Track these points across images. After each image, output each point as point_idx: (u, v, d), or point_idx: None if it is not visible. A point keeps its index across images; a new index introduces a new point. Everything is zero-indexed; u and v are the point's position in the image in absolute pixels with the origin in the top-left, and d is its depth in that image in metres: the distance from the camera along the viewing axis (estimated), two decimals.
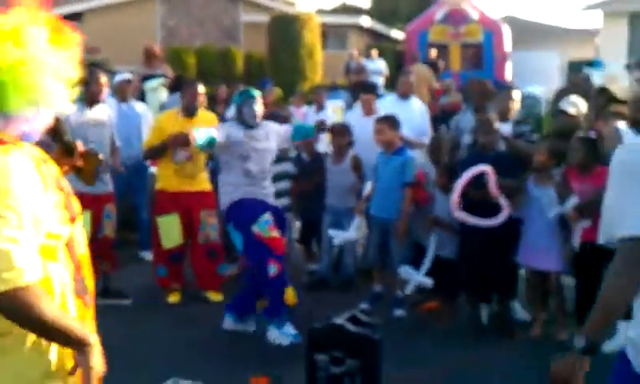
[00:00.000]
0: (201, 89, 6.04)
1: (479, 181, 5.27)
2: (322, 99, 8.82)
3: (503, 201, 5.22)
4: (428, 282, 5.58)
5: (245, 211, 5.17)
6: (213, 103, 8.15)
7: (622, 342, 2.22)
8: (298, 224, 6.95)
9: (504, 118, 5.95)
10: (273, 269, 5.04)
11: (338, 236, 6.08)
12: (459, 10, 17.56)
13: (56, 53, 2.00)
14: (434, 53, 16.49)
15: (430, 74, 15.29)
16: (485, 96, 6.51)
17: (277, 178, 6.35)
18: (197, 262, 6.11)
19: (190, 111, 5.91)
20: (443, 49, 17.22)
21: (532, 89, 13.87)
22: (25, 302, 1.80)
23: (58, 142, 2.77)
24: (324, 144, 6.75)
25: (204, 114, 6.15)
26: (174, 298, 6.04)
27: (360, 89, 7.69)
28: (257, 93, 5.39)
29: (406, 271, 5.63)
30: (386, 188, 5.82)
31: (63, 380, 2.03)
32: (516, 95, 6.25)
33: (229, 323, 5.34)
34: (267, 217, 5.13)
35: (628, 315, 2.11)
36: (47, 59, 1.97)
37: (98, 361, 1.99)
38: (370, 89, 7.55)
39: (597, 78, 10.31)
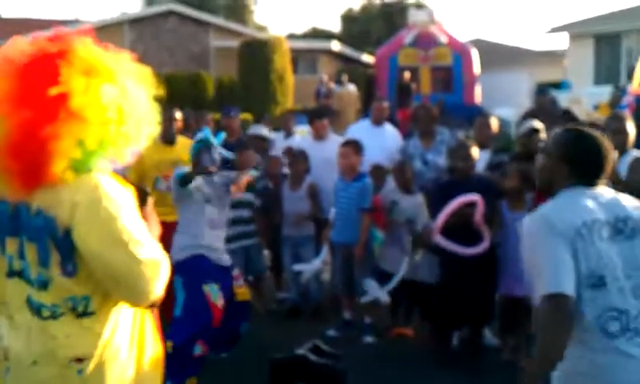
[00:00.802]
0: (177, 115, 5.94)
1: (461, 208, 5.23)
2: (290, 125, 8.78)
3: (485, 230, 5.19)
4: (385, 298, 5.59)
5: (200, 269, 4.79)
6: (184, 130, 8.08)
7: None
8: (266, 252, 6.86)
9: (482, 145, 5.91)
10: (198, 349, 4.60)
11: (304, 270, 6.06)
12: (428, 34, 17.73)
13: (142, 90, 2.19)
14: (407, 75, 16.60)
15: (355, 96, 15.43)
16: (431, 121, 6.52)
17: (238, 205, 6.27)
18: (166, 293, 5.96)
19: (167, 138, 5.80)
20: (413, 72, 17.36)
21: (502, 111, 14.01)
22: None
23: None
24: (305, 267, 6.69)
25: (182, 140, 6.02)
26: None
27: (312, 114, 7.64)
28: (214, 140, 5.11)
29: (368, 283, 5.64)
30: (345, 214, 5.85)
31: None
32: (493, 122, 6.24)
33: None
34: (218, 287, 4.76)
35: None
36: (140, 97, 2.17)
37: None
38: (322, 114, 7.52)
39: (563, 100, 10.46)
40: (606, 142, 2.63)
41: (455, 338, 5.57)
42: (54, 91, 1.97)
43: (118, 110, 2.07)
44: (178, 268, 4.69)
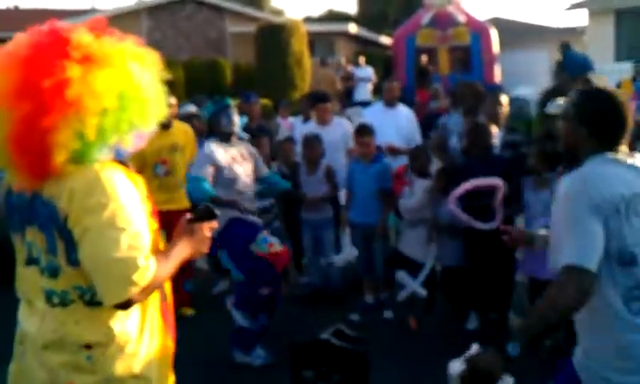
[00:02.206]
0: (172, 100, 5.95)
1: (481, 191, 5.18)
2: (307, 109, 8.75)
3: (499, 209, 5.15)
4: (422, 292, 5.58)
5: (238, 233, 4.85)
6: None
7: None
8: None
9: (493, 123, 5.86)
10: (264, 290, 4.84)
11: (337, 260, 6.10)
12: (445, 13, 17.54)
13: (148, 73, 2.16)
14: (424, 59, 16.48)
15: (333, 76, 15.29)
16: (476, 98, 6.43)
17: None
18: (174, 280, 5.89)
19: (164, 124, 5.74)
20: (431, 52, 17.21)
21: (521, 90, 13.88)
22: (152, 288, 2.10)
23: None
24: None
25: (178, 124, 6.11)
26: None
27: (315, 98, 7.57)
28: (231, 101, 5.19)
29: (402, 277, 5.62)
30: (365, 196, 5.91)
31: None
32: (504, 99, 6.17)
33: (239, 356, 5.01)
34: (264, 234, 4.94)
35: None
36: (145, 80, 2.14)
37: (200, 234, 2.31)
38: (326, 98, 7.48)
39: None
40: (624, 101, 2.53)
41: (474, 321, 5.56)
42: (48, 82, 1.97)
43: (120, 96, 2.05)
44: (218, 241, 4.66)
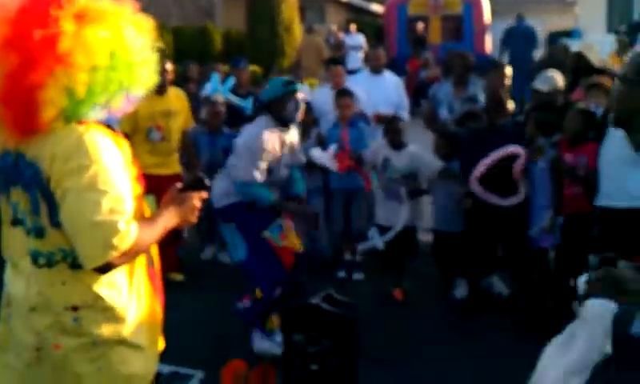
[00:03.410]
0: (168, 66, 5.91)
1: (501, 160, 5.16)
2: (299, 76, 8.72)
3: (521, 180, 5.14)
4: (380, 245, 5.70)
5: (254, 213, 4.48)
6: (185, 81, 8.03)
7: None
8: None
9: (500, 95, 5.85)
10: (277, 291, 4.55)
11: (365, 247, 6.11)
12: None
13: (141, 38, 2.12)
14: (421, 27, 16.40)
15: (320, 43, 15.17)
16: (466, 68, 6.43)
17: None
18: (161, 246, 5.80)
19: (160, 89, 5.71)
20: (423, 21, 17.12)
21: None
22: (133, 254, 2.06)
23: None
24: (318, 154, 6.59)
25: (174, 90, 6.07)
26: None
27: (328, 61, 7.56)
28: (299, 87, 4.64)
29: (371, 233, 5.77)
30: None
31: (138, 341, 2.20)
32: (508, 72, 6.16)
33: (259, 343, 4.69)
34: (280, 221, 4.57)
35: None
36: (138, 44, 2.11)
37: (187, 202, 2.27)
38: (337, 61, 7.49)
39: (574, 48, 10.28)
40: None
41: (462, 289, 5.62)
42: (38, 35, 1.93)
43: (111, 55, 2.01)
44: (224, 213, 4.54)
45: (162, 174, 5.61)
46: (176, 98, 5.98)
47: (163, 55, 6.08)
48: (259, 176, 4.39)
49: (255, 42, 17.80)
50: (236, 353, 4.29)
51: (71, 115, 2.03)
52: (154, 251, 2.34)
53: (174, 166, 5.92)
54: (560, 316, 4.08)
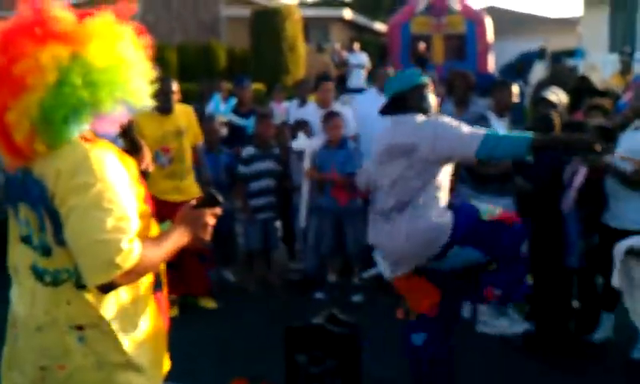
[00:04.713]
0: (174, 85, 5.77)
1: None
2: (304, 93, 8.74)
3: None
4: (387, 273, 5.63)
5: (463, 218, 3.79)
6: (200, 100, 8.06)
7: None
8: (278, 223, 6.86)
9: (502, 114, 5.84)
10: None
11: (367, 273, 6.15)
12: (440, 1, 17.52)
13: (137, 52, 2.10)
14: (422, 46, 16.45)
15: (328, 62, 15.16)
16: (468, 88, 6.43)
17: (259, 176, 6.30)
18: (188, 268, 5.72)
19: (164, 109, 5.66)
20: (426, 40, 17.19)
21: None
22: (137, 273, 2.03)
23: (125, 139, 2.75)
24: (303, 141, 6.59)
25: (180, 107, 5.89)
26: (172, 312, 5.57)
27: (318, 79, 7.56)
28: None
29: (377, 255, 5.69)
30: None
31: (139, 371, 2.18)
32: (515, 90, 6.17)
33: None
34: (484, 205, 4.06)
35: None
36: (134, 59, 2.07)
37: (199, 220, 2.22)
38: (328, 77, 7.52)
39: (580, 68, 10.35)
40: None
41: (467, 309, 5.60)
42: (2, 60, 1.95)
43: (66, 71, 1.96)
44: (452, 244, 3.75)
45: (177, 201, 5.22)
46: (184, 114, 5.81)
47: (169, 74, 6.09)
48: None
49: (259, 60, 17.89)
50: (239, 371, 4.27)
51: (49, 136, 2.01)
52: (162, 272, 2.33)
53: (190, 191, 5.60)
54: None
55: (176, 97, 5.76)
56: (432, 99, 3.82)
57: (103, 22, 2.05)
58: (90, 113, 2.03)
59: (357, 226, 6.11)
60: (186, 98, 7.26)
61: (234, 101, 7.52)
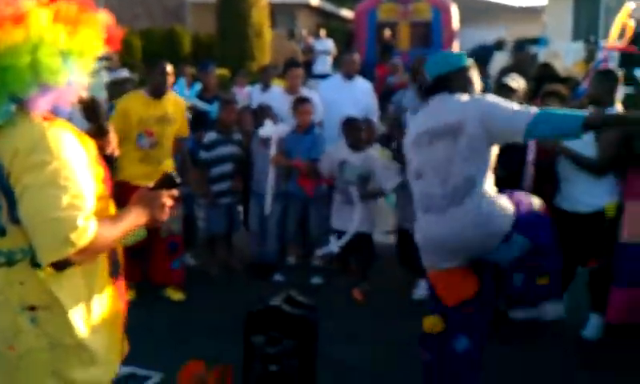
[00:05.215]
0: (169, 68, 5.61)
1: None
2: (269, 79, 8.70)
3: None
4: (335, 249, 5.78)
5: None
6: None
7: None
8: (241, 208, 6.83)
9: None
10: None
11: (323, 252, 6.08)
12: None
13: (66, 29, 2.03)
14: (388, 33, 16.49)
15: (295, 49, 15.18)
16: None
17: (221, 160, 6.27)
18: (156, 256, 5.73)
19: (158, 92, 5.55)
20: (393, 27, 17.24)
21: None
22: (92, 251, 2.02)
23: (92, 121, 2.72)
24: (269, 128, 6.54)
25: (173, 96, 5.79)
26: (128, 297, 5.47)
27: (287, 64, 7.53)
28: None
29: (331, 237, 5.83)
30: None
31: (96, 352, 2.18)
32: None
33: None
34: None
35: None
36: (52, 37, 2.00)
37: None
38: (298, 63, 7.52)
39: (541, 56, 10.44)
40: None
41: (422, 288, 5.66)
42: None
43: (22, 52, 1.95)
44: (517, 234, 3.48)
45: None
46: (174, 104, 5.69)
47: (161, 58, 5.96)
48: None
49: (225, 46, 17.77)
50: (197, 353, 4.26)
51: None
52: (120, 257, 2.32)
53: None
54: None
55: (171, 79, 5.65)
56: (477, 82, 3.55)
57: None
58: (38, 89, 2.00)
59: (321, 211, 6.15)
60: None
61: (198, 86, 7.46)
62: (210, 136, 6.29)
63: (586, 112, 3.16)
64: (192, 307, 5.58)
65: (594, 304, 4.84)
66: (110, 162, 2.60)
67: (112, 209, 2.27)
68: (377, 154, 5.79)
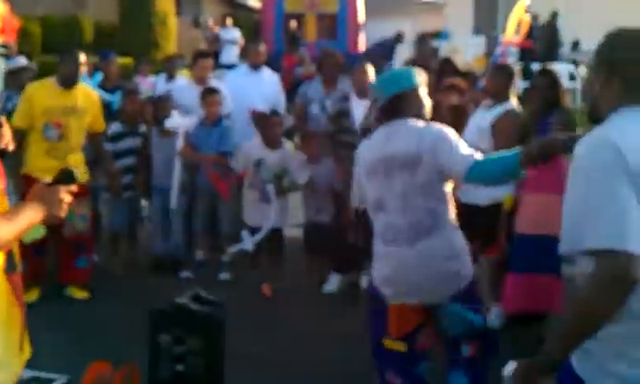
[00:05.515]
0: (82, 58, 5.41)
1: None
2: (173, 69, 8.54)
3: None
4: (249, 246, 5.76)
5: None
6: None
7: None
8: (145, 202, 6.71)
9: (362, 94, 5.93)
10: None
11: (235, 250, 5.99)
12: None
13: None
14: (294, 24, 16.51)
15: (199, 37, 15.06)
16: (336, 67, 6.51)
17: (124, 153, 6.14)
18: (60, 255, 5.60)
19: (69, 82, 5.34)
20: (299, 18, 17.28)
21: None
22: None
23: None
24: (177, 120, 6.43)
25: (85, 88, 5.60)
26: (32, 296, 5.23)
27: (197, 55, 7.44)
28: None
29: (244, 233, 5.79)
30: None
31: None
32: (371, 70, 6.27)
33: None
34: None
35: None
36: None
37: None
38: (207, 54, 7.43)
39: (442, 50, 10.73)
40: None
41: (333, 283, 5.74)
42: None
43: None
44: None
45: None
46: (85, 95, 5.49)
47: (71, 47, 5.70)
48: None
49: (128, 34, 17.33)
50: (103, 354, 4.17)
51: None
52: (16, 254, 2.26)
53: None
54: None
55: (83, 69, 5.44)
56: (428, 101, 3.44)
57: None
58: None
59: (231, 206, 6.10)
60: (49, 72, 6.92)
61: (99, 76, 7.26)
62: (115, 127, 6.14)
63: (518, 149, 3.09)
64: (96, 306, 5.45)
65: (493, 295, 5.03)
66: (2, 155, 2.51)
67: (4, 203, 2.21)
68: (291, 149, 5.80)
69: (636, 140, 1.88)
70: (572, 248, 1.93)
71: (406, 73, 3.52)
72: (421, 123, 3.31)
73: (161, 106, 6.32)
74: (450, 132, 3.25)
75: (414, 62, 8.23)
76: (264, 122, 5.88)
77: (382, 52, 14.12)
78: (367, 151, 3.46)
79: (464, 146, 3.19)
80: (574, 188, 1.94)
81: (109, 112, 6.76)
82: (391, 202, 3.24)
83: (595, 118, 2.08)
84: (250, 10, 23.33)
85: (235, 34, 16.94)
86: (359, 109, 5.75)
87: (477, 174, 3.12)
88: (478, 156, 3.15)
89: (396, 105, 3.33)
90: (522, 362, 2.01)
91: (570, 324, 1.90)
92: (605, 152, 1.87)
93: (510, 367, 2.06)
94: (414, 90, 3.36)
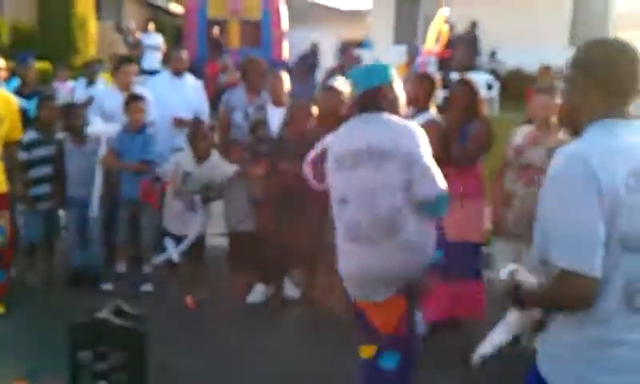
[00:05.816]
0: (1, 63, 5.15)
1: None
2: (94, 74, 8.34)
3: None
4: (176, 257, 5.68)
5: None
6: None
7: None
8: (62, 212, 6.50)
9: (278, 102, 5.92)
10: None
11: (159, 258, 5.84)
12: None
13: None
14: (216, 31, 16.40)
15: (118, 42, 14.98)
16: (260, 75, 6.49)
17: (40, 162, 5.94)
18: None
19: None
20: (222, 24, 17.18)
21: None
22: None
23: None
24: (99, 127, 6.25)
25: (3, 95, 5.23)
26: None
27: (119, 60, 7.28)
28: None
29: (167, 242, 5.71)
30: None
31: None
32: (286, 78, 6.27)
33: None
34: None
35: None
36: None
37: None
38: (131, 60, 7.29)
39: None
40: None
41: (257, 293, 5.71)
42: None
43: None
44: None
45: None
46: (3, 102, 5.10)
47: None
48: None
49: (46, 37, 16.85)
50: (18, 372, 4.04)
51: None
52: None
53: None
54: None
55: (3, 74, 5.15)
56: (402, 96, 3.41)
57: None
58: None
59: (154, 216, 5.97)
60: None
61: (16, 81, 7.02)
62: (30, 135, 5.93)
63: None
64: (13, 321, 5.25)
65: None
66: None
67: None
68: (218, 159, 5.74)
69: (607, 157, 1.93)
70: (542, 256, 2.06)
71: (381, 67, 3.46)
72: (395, 119, 3.27)
73: (74, 112, 6.13)
74: (423, 139, 3.24)
75: (337, 71, 8.35)
76: (195, 132, 5.79)
77: (304, 67, 14.22)
78: (336, 144, 3.39)
79: (434, 168, 3.20)
80: (547, 199, 2.03)
81: (26, 119, 6.55)
82: (355, 198, 3.21)
83: (573, 129, 2.11)
84: (173, 15, 23.03)
85: (157, 39, 16.70)
86: (274, 117, 5.76)
87: (441, 206, 3.20)
88: (444, 186, 3.18)
89: (370, 99, 3.31)
90: (511, 278, 2.23)
91: (540, 297, 2.10)
92: (577, 168, 1.92)
93: (505, 270, 2.27)
94: (388, 85, 3.35)
